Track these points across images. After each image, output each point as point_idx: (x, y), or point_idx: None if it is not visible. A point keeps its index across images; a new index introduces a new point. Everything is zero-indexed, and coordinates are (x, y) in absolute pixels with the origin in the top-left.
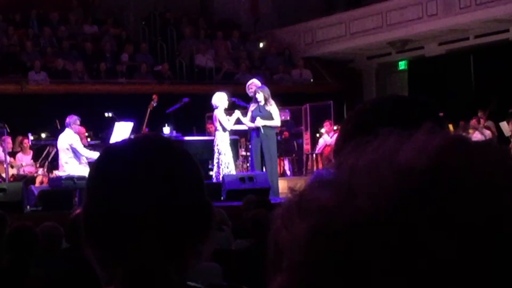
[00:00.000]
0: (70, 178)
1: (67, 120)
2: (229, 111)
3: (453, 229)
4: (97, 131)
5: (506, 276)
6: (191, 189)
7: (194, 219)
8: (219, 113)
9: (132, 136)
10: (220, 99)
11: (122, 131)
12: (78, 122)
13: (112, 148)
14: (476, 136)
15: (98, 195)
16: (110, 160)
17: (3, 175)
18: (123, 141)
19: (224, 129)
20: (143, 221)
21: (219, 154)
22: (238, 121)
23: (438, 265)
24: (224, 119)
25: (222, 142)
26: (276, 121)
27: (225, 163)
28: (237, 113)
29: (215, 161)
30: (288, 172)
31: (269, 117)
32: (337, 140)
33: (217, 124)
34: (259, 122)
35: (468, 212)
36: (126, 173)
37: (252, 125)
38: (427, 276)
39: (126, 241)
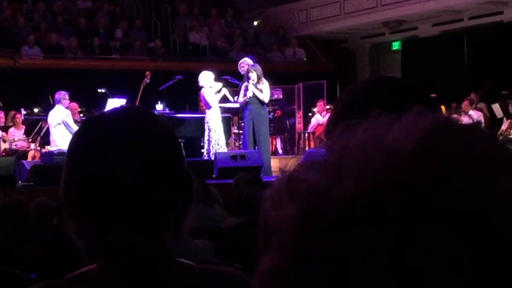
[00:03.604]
0: (62, 153)
1: (56, 96)
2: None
3: (436, 216)
4: (89, 107)
5: (493, 265)
6: (171, 158)
7: (175, 187)
8: (205, 92)
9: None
10: (205, 78)
11: (114, 107)
12: (67, 97)
13: (92, 118)
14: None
15: (78, 165)
16: (90, 130)
17: None
18: (103, 112)
19: (208, 107)
20: (124, 189)
21: (209, 131)
22: (227, 100)
23: (422, 251)
24: (210, 97)
25: (212, 120)
26: (265, 96)
27: (215, 140)
28: (224, 90)
29: (206, 138)
30: (280, 151)
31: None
32: (329, 120)
33: (206, 103)
34: (251, 88)
35: (452, 198)
36: (106, 141)
37: (241, 99)
38: (411, 261)
39: (108, 210)
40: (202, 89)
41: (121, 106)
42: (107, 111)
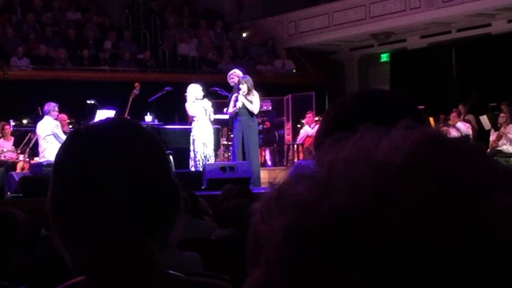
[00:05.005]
0: (51, 165)
1: (46, 107)
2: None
3: (424, 229)
4: (79, 118)
5: (478, 279)
6: (157, 170)
7: (162, 198)
8: (187, 105)
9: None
10: (189, 91)
11: (101, 119)
12: (57, 109)
13: (78, 131)
14: (459, 126)
15: (64, 177)
16: (76, 142)
17: None
18: (89, 124)
19: (192, 119)
20: (110, 201)
21: (192, 143)
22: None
23: (410, 265)
24: (192, 110)
25: (193, 131)
26: (255, 108)
27: (195, 150)
28: (204, 101)
29: (191, 148)
30: (269, 162)
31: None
32: (318, 133)
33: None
34: (241, 98)
35: (440, 212)
36: (91, 154)
37: (231, 110)
38: (399, 276)
39: (94, 222)
40: (186, 103)
41: (107, 118)
42: (93, 123)
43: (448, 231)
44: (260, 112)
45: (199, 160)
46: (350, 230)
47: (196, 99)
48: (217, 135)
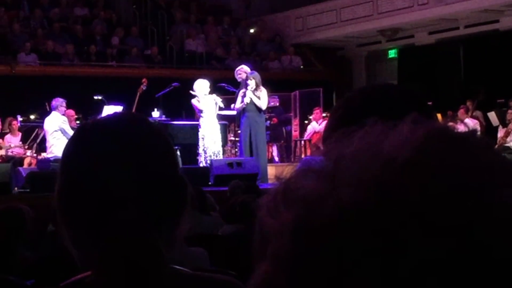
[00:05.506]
0: (58, 160)
1: (53, 103)
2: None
3: (424, 228)
4: (86, 114)
5: (479, 279)
6: (165, 165)
7: (169, 194)
8: (192, 101)
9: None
10: (196, 87)
11: (109, 114)
12: (64, 105)
13: (85, 125)
14: (467, 122)
15: (71, 172)
16: (83, 137)
17: None
18: (97, 119)
19: (199, 115)
20: (117, 197)
21: (201, 139)
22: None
23: (410, 265)
24: (198, 106)
25: (201, 127)
26: (263, 104)
27: (205, 146)
28: (213, 97)
29: (200, 144)
30: (276, 158)
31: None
32: (326, 127)
33: (198, 111)
34: (249, 94)
35: (441, 211)
36: (98, 149)
37: (239, 105)
38: (399, 275)
39: (101, 218)
40: (193, 99)
41: (115, 113)
42: (101, 118)
43: (449, 230)
44: (267, 108)
45: (209, 156)
46: (351, 228)
47: (204, 95)
48: (224, 131)
